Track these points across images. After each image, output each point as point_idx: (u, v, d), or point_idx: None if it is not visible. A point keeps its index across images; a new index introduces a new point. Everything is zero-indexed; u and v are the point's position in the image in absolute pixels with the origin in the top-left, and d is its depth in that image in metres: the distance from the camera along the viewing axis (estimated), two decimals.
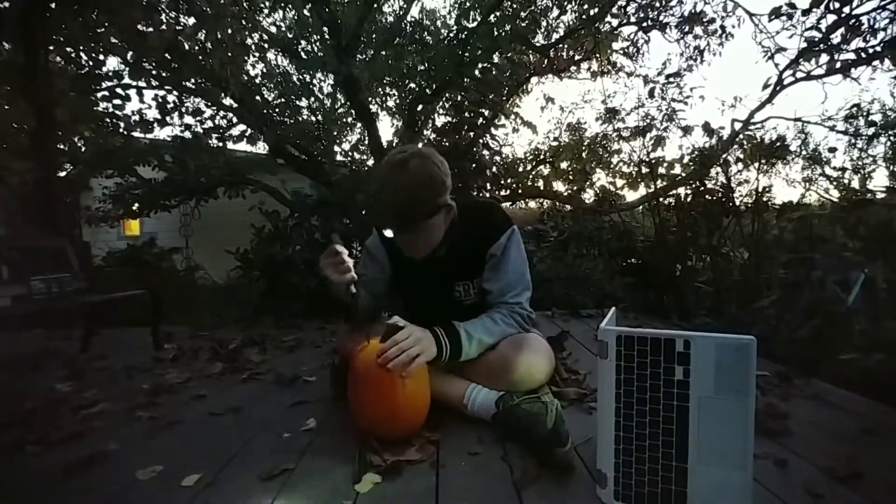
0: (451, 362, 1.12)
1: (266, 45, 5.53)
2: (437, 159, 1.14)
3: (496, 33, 4.77)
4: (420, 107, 5.27)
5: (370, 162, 5.89)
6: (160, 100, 4.44)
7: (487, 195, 4.11)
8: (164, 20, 3.60)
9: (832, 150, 5.25)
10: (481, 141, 4.25)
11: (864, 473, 0.88)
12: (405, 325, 1.05)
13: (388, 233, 1.14)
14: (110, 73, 4.13)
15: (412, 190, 1.08)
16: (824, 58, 3.44)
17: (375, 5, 4.99)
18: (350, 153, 6.63)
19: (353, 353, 1.10)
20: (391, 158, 1.13)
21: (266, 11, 5.36)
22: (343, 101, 6.29)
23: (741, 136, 3.99)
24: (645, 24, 5.29)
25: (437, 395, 1.13)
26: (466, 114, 4.21)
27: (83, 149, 4.40)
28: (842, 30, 3.04)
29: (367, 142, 5.99)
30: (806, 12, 3.18)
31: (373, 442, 1.00)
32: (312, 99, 6.08)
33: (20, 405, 1.35)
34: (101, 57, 4.02)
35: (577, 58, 5.95)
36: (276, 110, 5.21)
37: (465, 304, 1.28)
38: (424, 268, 1.24)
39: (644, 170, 3.40)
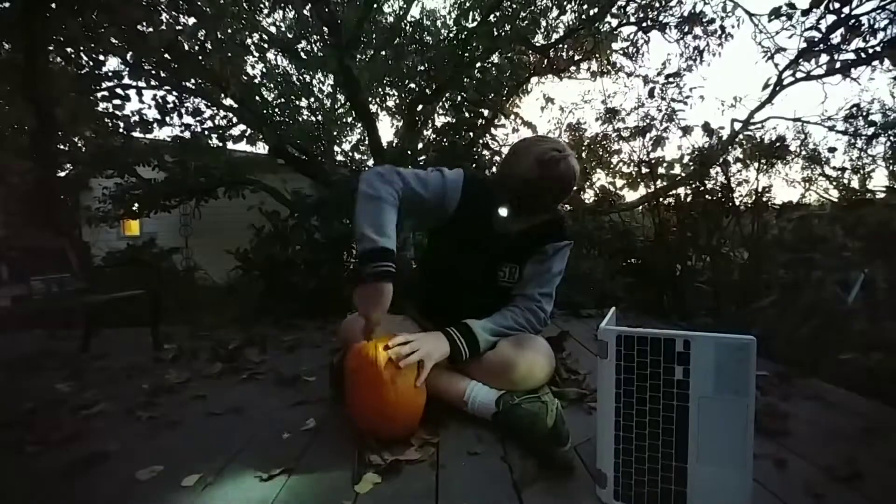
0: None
1: (266, 45, 5.52)
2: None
3: (496, 33, 4.76)
4: (420, 107, 5.27)
5: (370, 162, 5.88)
6: (160, 100, 4.44)
7: None
8: (164, 20, 3.60)
9: (832, 150, 5.22)
10: (481, 141, 4.24)
11: (864, 473, 0.88)
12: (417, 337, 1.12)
13: (503, 212, 1.19)
14: (110, 73, 4.13)
15: (563, 186, 1.17)
16: (824, 58, 3.44)
17: (375, 5, 4.98)
18: (350, 153, 6.63)
19: (354, 345, 1.10)
20: (553, 152, 1.13)
21: (266, 11, 5.35)
22: (343, 101, 6.29)
23: (741, 136, 4.00)
24: (645, 25, 5.28)
25: (437, 393, 1.14)
26: (466, 114, 4.20)
27: (83, 149, 4.40)
28: (841, 30, 3.04)
29: (367, 142, 5.98)
30: (806, 12, 3.19)
31: (372, 442, 1.01)
32: (312, 99, 6.08)
33: (20, 405, 1.35)
34: (101, 57, 4.02)
35: (576, 58, 5.94)
36: (276, 110, 5.21)
37: (500, 287, 1.30)
38: (487, 240, 1.24)
39: (644, 170, 3.40)
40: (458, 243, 1.26)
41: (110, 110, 4.22)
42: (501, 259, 1.28)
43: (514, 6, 5.21)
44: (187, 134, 4.71)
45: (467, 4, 5.40)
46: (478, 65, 4.82)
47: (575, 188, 1.25)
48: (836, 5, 2.87)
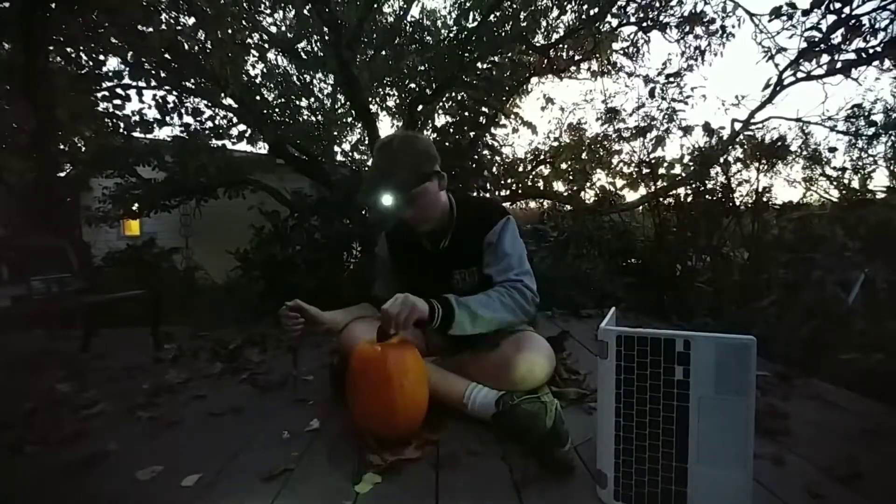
0: (448, 334, 1.12)
1: (266, 45, 5.52)
2: (418, 136, 1.31)
3: (496, 33, 4.75)
4: (420, 107, 5.27)
5: (370, 162, 5.88)
6: (160, 100, 4.44)
7: (488, 195, 4.11)
8: (164, 20, 3.60)
9: (832, 150, 5.22)
10: (482, 141, 4.24)
11: (864, 473, 0.88)
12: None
13: (386, 200, 1.22)
14: (110, 73, 4.13)
15: (398, 160, 1.20)
16: (825, 58, 3.44)
17: (375, 5, 4.98)
18: (350, 153, 6.63)
19: (351, 348, 1.11)
20: (377, 143, 1.28)
21: (266, 11, 5.36)
22: (343, 101, 6.29)
23: (741, 136, 3.99)
24: (645, 24, 5.28)
25: (437, 394, 1.14)
26: (467, 113, 4.20)
27: (83, 149, 4.40)
28: (842, 30, 3.04)
29: (367, 142, 5.98)
30: (806, 12, 3.18)
31: (372, 441, 1.00)
32: (312, 99, 6.08)
33: (20, 405, 1.35)
34: (101, 57, 4.02)
35: (577, 58, 5.94)
36: (276, 110, 5.21)
37: (464, 292, 1.29)
38: (426, 258, 1.34)
39: (644, 170, 3.40)
40: (408, 273, 1.41)
41: (110, 110, 4.23)
42: (448, 269, 1.32)
43: (514, 6, 5.21)
44: (187, 134, 4.71)
45: (467, 4, 5.40)
46: (478, 65, 4.82)
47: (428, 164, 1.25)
48: (837, 5, 2.87)
